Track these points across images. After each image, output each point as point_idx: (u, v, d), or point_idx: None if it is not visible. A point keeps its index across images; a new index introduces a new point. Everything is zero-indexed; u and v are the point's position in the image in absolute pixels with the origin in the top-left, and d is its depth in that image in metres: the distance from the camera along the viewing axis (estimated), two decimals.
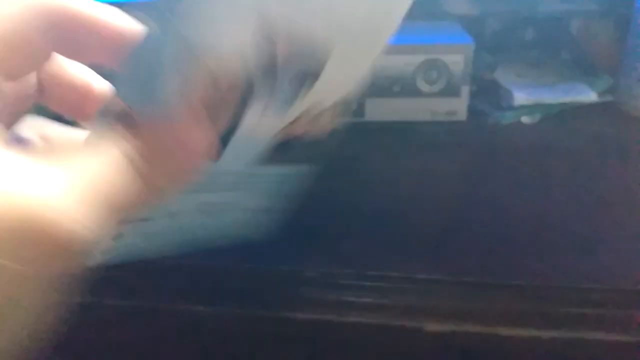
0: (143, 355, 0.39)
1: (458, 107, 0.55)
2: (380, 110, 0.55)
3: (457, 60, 0.53)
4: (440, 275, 0.35)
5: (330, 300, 0.35)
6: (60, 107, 0.21)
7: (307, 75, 0.20)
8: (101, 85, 0.20)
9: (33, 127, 0.20)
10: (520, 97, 0.59)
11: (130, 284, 0.38)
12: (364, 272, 0.36)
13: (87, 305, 0.38)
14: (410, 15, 0.21)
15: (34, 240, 0.14)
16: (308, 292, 0.35)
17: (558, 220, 0.41)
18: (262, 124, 0.20)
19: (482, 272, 0.36)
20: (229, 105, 0.19)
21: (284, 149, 0.23)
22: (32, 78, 0.19)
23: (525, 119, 0.60)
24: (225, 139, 0.20)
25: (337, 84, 0.22)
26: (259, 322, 0.36)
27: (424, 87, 0.54)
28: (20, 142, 0.19)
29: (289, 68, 0.19)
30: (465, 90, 0.54)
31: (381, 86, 0.54)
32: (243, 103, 0.19)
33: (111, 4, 0.19)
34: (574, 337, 0.33)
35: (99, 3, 0.18)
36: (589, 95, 0.61)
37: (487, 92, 0.63)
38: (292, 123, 0.22)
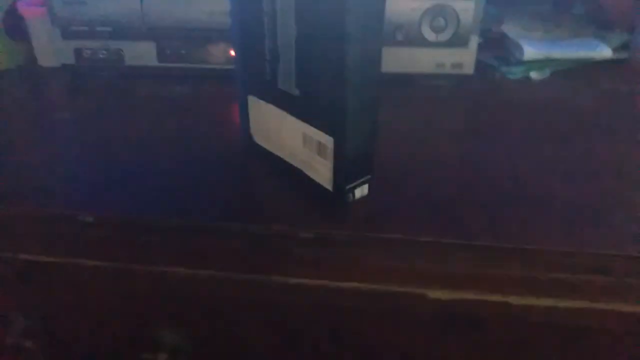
0: (126, 319, 0.36)
1: (465, 59, 0.51)
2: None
3: (467, 7, 0.48)
4: (446, 239, 0.32)
5: (326, 263, 0.32)
6: None
7: None
8: None
9: None
10: (531, 51, 0.56)
11: (110, 245, 0.34)
12: (362, 233, 0.33)
13: (61, 264, 0.35)
14: None
15: None
16: (302, 254, 0.32)
17: (569, 181, 0.38)
18: None
19: (490, 235, 0.32)
20: None
21: None
22: None
23: (534, 75, 0.56)
24: None
25: None
26: (248, 286, 0.33)
27: (429, 35, 0.50)
28: None
29: None
30: (474, 41, 0.50)
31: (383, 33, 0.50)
32: None
33: None
34: (588, 306, 0.31)
35: None
36: (603, 51, 0.57)
37: (493, 46, 0.59)
38: None
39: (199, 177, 0.38)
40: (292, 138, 0.35)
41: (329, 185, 0.34)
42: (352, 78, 0.30)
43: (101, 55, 0.55)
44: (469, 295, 0.31)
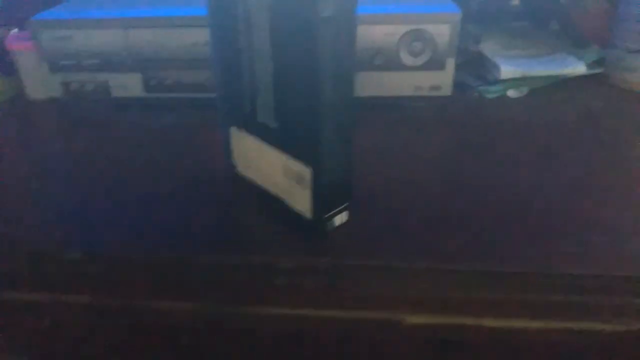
0: (108, 353, 0.37)
1: (443, 81, 0.52)
2: (360, 85, 0.52)
3: (442, 31, 0.50)
4: (422, 264, 0.33)
5: (305, 292, 0.33)
6: None
7: None
8: None
9: None
10: (507, 70, 0.57)
11: (94, 281, 0.35)
12: (340, 261, 0.34)
13: (48, 303, 0.36)
14: None
15: None
16: (282, 284, 0.33)
17: (546, 201, 0.39)
18: None
19: (465, 259, 0.34)
20: None
21: None
22: None
23: (511, 93, 0.57)
24: None
25: None
26: (229, 317, 0.34)
27: (407, 59, 0.51)
28: None
29: None
30: (450, 63, 0.51)
31: (362, 59, 0.51)
32: None
33: None
34: (561, 327, 0.32)
35: None
36: (578, 67, 0.59)
37: (471, 65, 0.61)
38: None
39: (183, 209, 0.39)
40: (272, 168, 0.37)
41: (309, 214, 0.35)
42: (326, 110, 0.31)
43: (88, 88, 0.56)
44: (446, 320, 0.32)
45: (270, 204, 0.38)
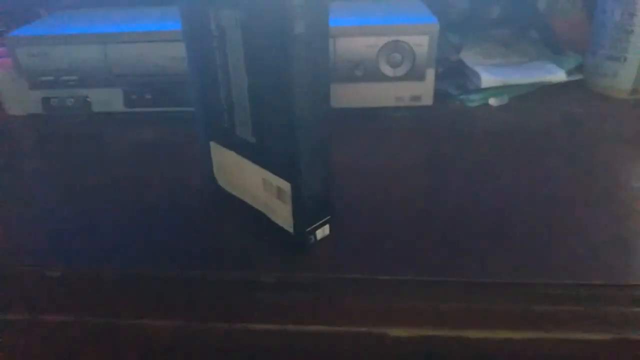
0: None
1: (423, 91, 0.52)
2: (341, 96, 0.52)
3: (421, 42, 0.50)
4: (404, 276, 0.33)
5: (287, 308, 0.33)
6: None
7: None
8: None
9: None
10: (488, 79, 0.57)
11: (72, 298, 0.34)
12: (324, 274, 0.33)
13: (26, 321, 0.35)
14: None
15: None
16: (263, 299, 0.33)
17: (527, 210, 0.39)
18: None
19: (447, 271, 0.33)
20: None
21: None
22: None
23: (492, 101, 0.58)
24: None
25: None
26: (210, 334, 0.33)
27: (387, 70, 0.51)
28: None
29: None
30: (430, 74, 0.52)
31: (342, 70, 0.51)
32: None
33: None
34: (547, 337, 0.31)
35: None
36: (558, 75, 0.59)
37: (453, 74, 0.61)
38: None
39: (163, 224, 0.38)
40: (253, 183, 0.36)
41: (290, 229, 0.34)
42: (302, 125, 0.31)
43: (68, 104, 0.56)
44: (429, 332, 0.32)
45: (251, 218, 0.38)
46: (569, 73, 0.60)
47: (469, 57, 0.62)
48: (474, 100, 0.57)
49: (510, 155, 0.47)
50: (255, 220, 0.37)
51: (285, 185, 0.33)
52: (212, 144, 0.39)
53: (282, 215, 0.35)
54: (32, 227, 0.39)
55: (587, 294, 0.32)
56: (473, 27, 0.68)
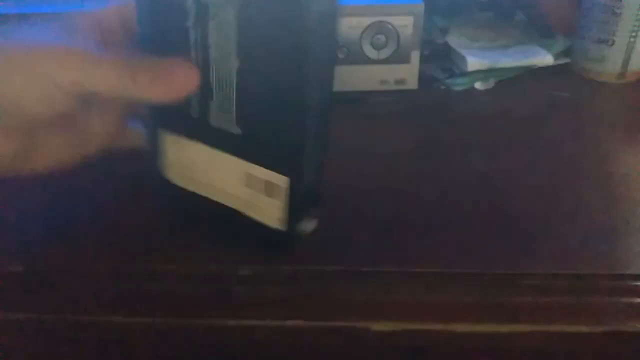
0: None
1: (408, 74, 0.51)
2: None
3: (406, 23, 0.48)
4: (388, 267, 0.32)
5: (266, 302, 0.31)
6: None
7: None
8: None
9: None
10: (474, 62, 0.56)
11: (35, 293, 0.33)
12: (303, 267, 0.32)
13: None
14: None
15: None
16: (240, 294, 0.31)
17: (515, 198, 0.38)
18: None
19: (433, 262, 0.32)
20: None
21: None
22: None
23: (479, 85, 0.56)
24: None
25: None
26: (186, 330, 0.32)
27: (371, 53, 0.49)
28: None
29: None
30: (415, 56, 0.50)
31: None
32: None
33: None
34: (534, 329, 0.30)
35: None
36: (545, 58, 0.58)
37: (438, 58, 0.59)
38: None
39: (124, 216, 0.36)
40: (227, 178, 0.33)
41: (279, 225, 0.32)
42: (311, 114, 0.28)
43: None
44: (414, 326, 0.30)
45: (217, 216, 0.34)
46: (556, 56, 0.59)
47: (455, 40, 0.60)
48: (460, 84, 0.56)
49: (496, 140, 0.46)
50: (223, 218, 0.34)
51: (279, 180, 0.31)
52: (163, 134, 0.35)
53: (269, 212, 0.32)
54: None
55: (575, 285, 0.31)
56: (459, 9, 0.67)
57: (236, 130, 0.31)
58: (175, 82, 0.30)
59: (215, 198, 0.34)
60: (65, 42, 0.29)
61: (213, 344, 0.32)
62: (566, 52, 0.60)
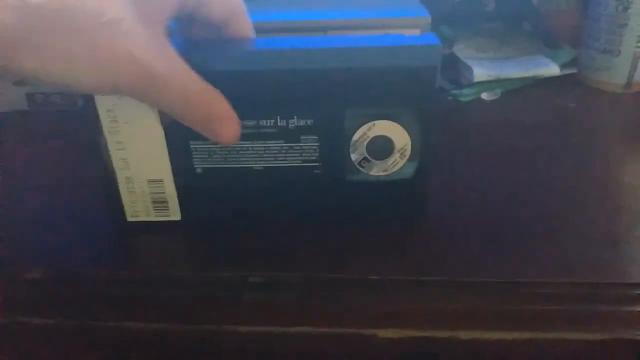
0: None
1: None
2: None
3: (414, 35, 0.49)
4: (394, 275, 0.32)
5: (275, 309, 0.32)
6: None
7: None
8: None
9: None
10: (481, 73, 0.57)
11: (54, 298, 0.34)
12: (312, 274, 0.33)
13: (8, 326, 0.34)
14: None
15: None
16: (250, 301, 0.32)
17: (520, 206, 0.39)
18: None
19: (437, 270, 0.33)
20: None
21: None
22: None
23: (485, 96, 0.57)
24: None
25: None
26: (196, 336, 0.32)
27: None
28: None
29: None
30: None
31: None
32: None
33: None
34: (540, 337, 0.31)
35: None
36: (552, 68, 0.58)
37: (445, 69, 0.60)
38: None
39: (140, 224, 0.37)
40: None
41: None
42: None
43: (54, 99, 0.55)
44: (420, 333, 0.31)
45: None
46: (562, 67, 0.59)
47: (462, 51, 0.61)
48: (467, 94, 0.57)
49: (502, 150, 0.47)
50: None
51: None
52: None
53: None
54: (11, 226, 0.38)
55: (580, 293, 0.32)
56: (466, 20, 0.68)
57: None
58: (218, 135, 0.30)
59: None
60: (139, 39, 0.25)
61: (223, 349, 0.33)
62: (572, 63, 0.61)
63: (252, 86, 0.31)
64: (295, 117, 0.32)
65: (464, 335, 0.31)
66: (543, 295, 0.32)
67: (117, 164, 0.35)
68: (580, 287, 0.32)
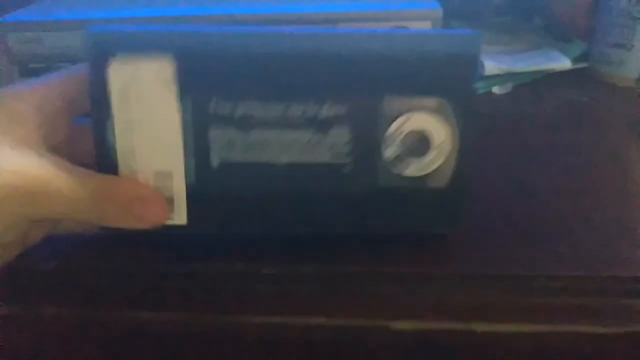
0: None
1: None
2: None
3: (424, 28, 0.49)
4: (406, 268, 0.32)
5: (289, 300, 0.32)
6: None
7: None
8: None
9: None
10: (491, 66, 0.56)
11: (67, 289, 0.34)
12: (326, 266, 0.32)
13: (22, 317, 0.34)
14: None
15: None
16: (265, 292, 0.32)
17: (533, 200, 0.38)
18: None
19: (452, 262, 0.33)
20: None
21: None
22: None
23: (497, 89, 0.57)
24: None
25: None
26: (210, 328, 0.32)
27: None
28: None
29: None
30: None
31: None
32: None
33: None
34: (554, 330, 0.31)
35: None
36: (563, 62, 0.58)
37: None
38: None
39: None
40: None
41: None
42: None
43: None
44: (434, 325, 0.31)
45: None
46: (573, 61, 0.59)
47: None
48: (478, 88, 0.56)
49: (514, 144, 0.46)
50: None
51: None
52: None
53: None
54: None
55: (595, 286, 0.32)
56: (476, 14, 0.67)
57: None
58: (147, 219, 0.30)
59: None
60: (15, 161, 0.27)
61: (236, 340, 0.33)
62: (584, 57, 0.60)
63: (286, 69, 0.29)
64: (328, 102, 0.30)
65: (478, 327, 0.31)
66: (558, 288, 0.31)
67: (121, 150, 0.30)
68: (595, 281, 0.32)
